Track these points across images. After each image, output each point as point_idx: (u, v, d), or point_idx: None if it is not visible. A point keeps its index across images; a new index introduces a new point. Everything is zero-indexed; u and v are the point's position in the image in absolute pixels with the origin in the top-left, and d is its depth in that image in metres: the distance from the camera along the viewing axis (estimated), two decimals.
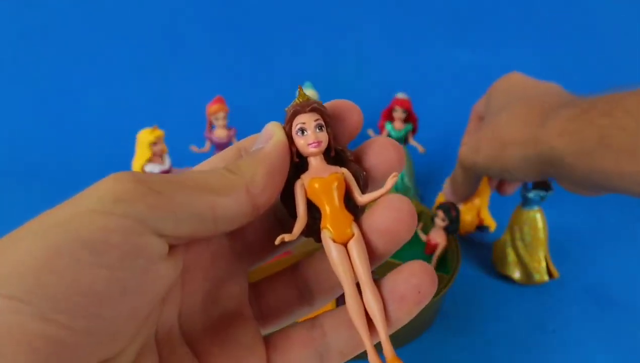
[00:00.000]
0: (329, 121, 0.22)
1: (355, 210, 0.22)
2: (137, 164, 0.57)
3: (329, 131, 0.22)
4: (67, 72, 0.91)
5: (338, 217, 0.21)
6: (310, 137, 0.21)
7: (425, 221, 0.61)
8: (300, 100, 0.22)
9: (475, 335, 0.50)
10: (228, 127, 0.65)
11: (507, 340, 0.50)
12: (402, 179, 0.69)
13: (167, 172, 0.59)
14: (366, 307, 0.20)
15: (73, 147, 0.84)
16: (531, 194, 0.54)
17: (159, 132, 0.57)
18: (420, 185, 0.73)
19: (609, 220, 0.69)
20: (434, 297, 0.47)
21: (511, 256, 0.56)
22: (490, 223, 0.63)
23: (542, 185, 0.53)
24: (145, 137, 0.56)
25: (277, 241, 0.21)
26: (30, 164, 0.81)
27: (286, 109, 0.22)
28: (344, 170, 0.22)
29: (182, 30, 0.94)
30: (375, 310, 0.20)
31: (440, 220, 0.55)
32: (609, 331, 0.51)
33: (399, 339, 0.48)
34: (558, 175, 0.37)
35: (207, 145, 0.66)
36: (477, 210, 0.62)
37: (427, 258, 0.57)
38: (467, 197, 0.53)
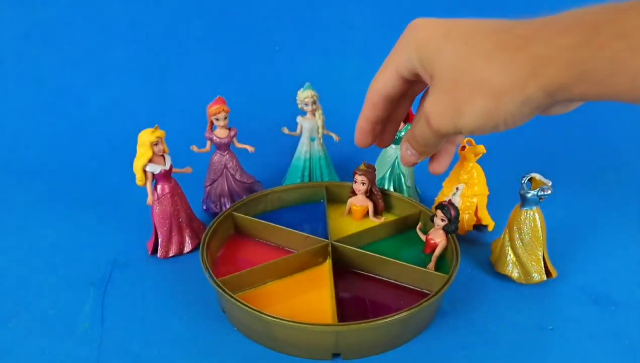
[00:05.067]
0: (372, 179, 0.63)
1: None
2: (138, 163, 0.57)
3: (368, 186, 0.63)
4: (69, 73, 0.92)
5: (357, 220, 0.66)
6: (358, 186, 0.63)
7: (425, 221, 0.61)
8: (363, 168, 0.62)
9: (474, 334, 0.51)
10: (229, 128, 0.66)
11: (506, 339, 0.50)
12: (402, 179, 0.69)
13: (168, 172, 0.59)
14: None
15: (75, 147, 0.85)
16: (529, 194, 0.54)
17: (160, 132, 0.57)
18: (420, 185, 0.73)
19: (607, 220, 0.69)
20: (433, 296, 0.48)
21: (510, 256, 0.57)
22: (489, 222, 0.64)
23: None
24: (146, 137, 0.57)
25: None
26: (32, 163, 0.82)
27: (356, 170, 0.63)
28: (370, 203, 0.64)
29: (183, 32, 0.94)
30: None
31: (439, 220, 0.56)
32: (607, 330, 0.51)
33: (398, 338, 0.49)
34: (554, 105, 0.33)
35: (208, 146, 0.66)
36: (474, 209, 0.63)
37: (427, 258, 0.57)
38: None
